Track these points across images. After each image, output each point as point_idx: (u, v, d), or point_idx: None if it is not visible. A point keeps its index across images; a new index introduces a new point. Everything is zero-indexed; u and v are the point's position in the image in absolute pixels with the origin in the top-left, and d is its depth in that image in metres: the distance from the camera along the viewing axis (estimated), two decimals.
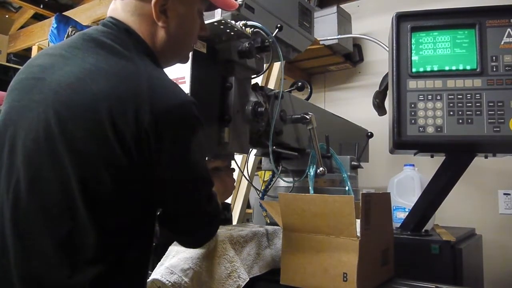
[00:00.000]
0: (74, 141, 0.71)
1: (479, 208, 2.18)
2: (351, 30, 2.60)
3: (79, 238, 0.70)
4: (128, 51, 0.80)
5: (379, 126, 1.87)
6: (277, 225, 1.08)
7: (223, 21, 0.99)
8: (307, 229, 0.96)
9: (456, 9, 1.25)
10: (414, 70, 1.23)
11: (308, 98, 1.63)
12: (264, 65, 1.25)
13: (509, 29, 1.18)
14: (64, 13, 2.78)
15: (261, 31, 1.09)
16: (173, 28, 0.87)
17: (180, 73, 1.02)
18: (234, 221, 1.90)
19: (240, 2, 1.07)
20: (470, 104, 1.18)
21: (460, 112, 1.18)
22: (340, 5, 2.53)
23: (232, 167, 1.22)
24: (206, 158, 1.16)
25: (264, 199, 1.42)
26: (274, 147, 1.20)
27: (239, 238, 1.03)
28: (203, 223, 0.87)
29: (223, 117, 1.09)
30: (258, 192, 1.46)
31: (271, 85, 2.21)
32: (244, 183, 2.10)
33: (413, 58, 1.24)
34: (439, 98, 1.20)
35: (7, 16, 3.67)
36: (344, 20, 2.52)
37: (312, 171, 1.30)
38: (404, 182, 1.59)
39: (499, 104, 1.16)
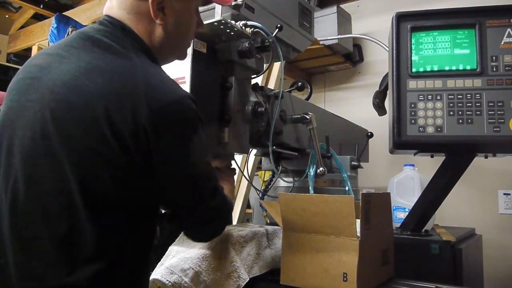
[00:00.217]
0: (71, 140, 0.71)
1: (479, 208, 2.18)
2: (351, 30, 2.60)
3: (78, 236, 0.70)
4: (124, 49, 0.80)
5: (379, 126, 1.87)
6: (277, 225, 1.08)
7: (223, 21, 0.99)
8: (307, 229, 0.96)
9: (456, 9, 1.24)
10: (414, 70, 1.23)
11: (308, 98, 1.63)
12: (264, 65, 1.25)
13: (509, 29, 1.18)
14: (64, 13, 2.78)
15: (261, 31, 1.09)
16: (170, 25, 0.87)
17: (180, 73, 1.02)
18: (234, 221, 1.90)
19: (240, 2, 1.07)
20: (470, 104, 1.18)
21: (460, 112, 1.18)
22: (340, 5, 2.53)
23: (232, 167, 1.22)
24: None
25: (264, 199, 1.42)
26: (274, 147, 1.20)
27: (239, 238, 1.03)
28: (210, 218, 0.87)
29: (223, 117, 1.09)
30: (258, 192, 1.46)
31: (271, 85, 2.21)
32: (244, 183, 2.10)
33: (413, 58, 1.24)
34: (439, 98, 1.20)
35: (7, 16, 3.67)
36: (344, 20, 2.52)
37: (312, 171, 1.30)
38: (404, 182, 1.59)
39: (499, 104, 1.16)
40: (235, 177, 1.24)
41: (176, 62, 1.03)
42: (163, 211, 1.03)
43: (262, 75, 1.39)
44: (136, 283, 0.78)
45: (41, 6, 3.10)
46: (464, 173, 1.28)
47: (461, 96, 1.19)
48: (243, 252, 1.02)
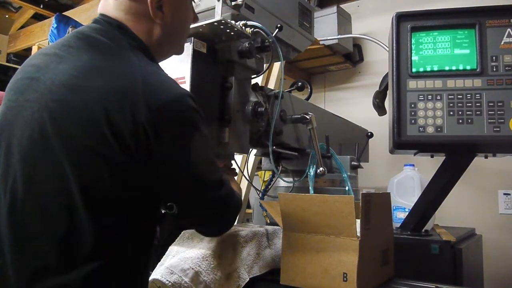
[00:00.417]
0: (71, 140, 0.71)
1: (479, 208, 2.18)
2: (351, 30, 2.60)
3: (78, 236, 0.70)
4: (121, 48, 0.80)
5: (379, 126, 1.87)
6: (277, 225, 1.08)
7: (223, 21, 0.99)
8: (307, 229, 0.96)
9: (456, 9, 1.24)
10: (414, 70, 1.23)
11: (308, 98, 1.63)
12: (264, 65, 1.25)
13: (509, 29, 1.18)
14: (64, 13, 2.79)
15: (261, 31, 1.09)
16: (169, 23, 0.88)
17: (180, 73, 1.02)
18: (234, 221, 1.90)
19: (240, 2, 1.07)
20: (470, 104, 1.18)
21: (460, 112, 1.18)
22: (340, 5, 2.53)
23: (232, 168, 1.22)
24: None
25: (264, 199, 1.42)
26: (274, 147, 1.20)
27: (239, 238, 1.03)
28: (219, 210, 0.87)
29: (223, 117, 1.09)
30: (258, 192, 1.46)
31: (271, 85, 2.21)
32: (244, 183, 2.10)
33: (413, 58, 1.24)
34: (439, 98, 1.20)
35: (7, 16, 3.67)
36: (344, 20, 2.52)
37: (312, 171, 1.30)
38: (404, 182, 1.59)
39: (499, 104, 1.16)
40: (235, 177, 1.24)
41: (176, 62, 1.03)
42: (163, 211, 1.03)
43: (262, 75, 1.39)
44: (135, 282, 0.78)
45: (41, 6, 3.10)
46: (464, 173, 1.28)
47: (461, 96, 1.19)
48: (243, 252, 1.02)
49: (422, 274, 1.10)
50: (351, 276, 0.89)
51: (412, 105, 1.21)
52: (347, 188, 1.33)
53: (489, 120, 1.15)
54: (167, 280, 0.88)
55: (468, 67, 1.20)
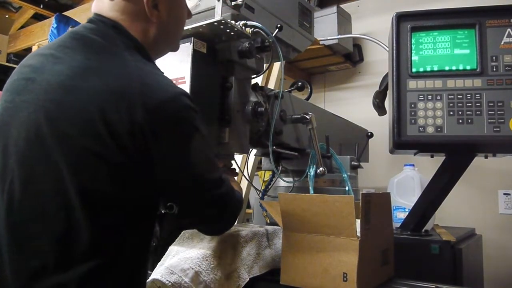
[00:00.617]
0: (67, 140, 0.71)
1: (479, 208, 2.18)
2: (351, 30, 2.60)
3: (75, 235, 0.70)
4: (117, 48, 0.80)
5: (379, 126, 1.87)
6: (277, 225, 1.08)
7: (223, 21, 0.99)
8: (307, 229, 0.96)
9: (456, 9, 1.24)
10: (414, 70, 1.23)
11: (308, 98, 1.63)
12: (264, 65, 1.25)
13: (509, 29, 1.18)
14: (64, 13, 2.79)
15: (261, 31, 1.09)
16: (165, 21, 0.88)
17: (180, 73, 1.02)
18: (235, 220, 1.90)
19: (240, 2, 1.07)
20: (470, 104, 1.18)
21: (460, 112, 1.18)
22: (340, 5, 2.53)
23: (233, 168, 1.22)
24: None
25: (264, 199, 1.42)
26: (274, 147, 1.20)
27: (239, 238, 1.03)
28: (219, 208, 0.87)
29: (223, 117, 1.09)
30: (258, 192, 1.46)
31: (271, 85, 2.21)
32: (244, 183, 2.10)
33: (413, 58, 1.24)
34: (439, 98, 1.20)
35: (7, 16, 3.67)
36: (344, 20, 2.52)
37: (312, 171, 1.30)
38: (404, 182, 1.59)
39: (499, 104, 1.16)
40: (236, 177, 1.24)
41: (176, 62, 1.03)
42: (163, 211, 1.03)
43: (262, 75, 1.39)
44: (132, 282, 0.78)
45: (41, 6, 3.10)
46: (464, 173, 1.28)
47: (461, 96, 1.19)
48: (243, 252, 1.02)
49: (422, 274, 1.10)
50: (351, 276, 0.89)
51: (412, 105, 1.21)
52: (347, 188, 1.33)
53: (489, 120, 1.15)
54: (167, 280, 0.88)
55: (468, 67, 1.20)
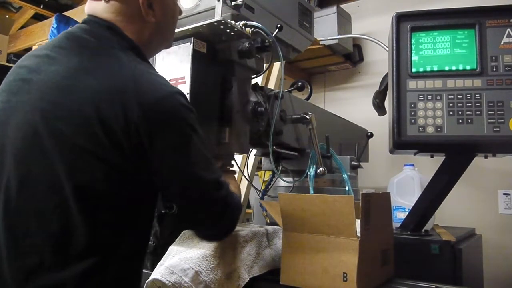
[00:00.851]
0: (63, 139, 0.72)
1: (479, 208, 2.17)
2: (351, 30, 2.59)
3: (71, 234, 0.71)
4: (112, 48, 0.81)
5: (379, 126, 1.87)
6: (277, 225, 1.08)
7: (223, 21, 0.99)
8: (307, 229, 0.96)
9: (456, 9, 1.24)
10: (414, 70, 1.23)
11: (308, 98, 1.63)
12: (264, 65, 1.25)
13: (509, 29, 1.18)
14: (64, 13, 2.78)
15: (261, 31, 1.09)
16: (160, 20, 0.89)
17: (180, 73, 1.02)
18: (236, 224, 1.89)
19: (240, 2, 1.07)
20: (470, 104, 1.18)
21: (460, 112, 1.18)
22: (340, 5, 2.53)
23: (233, 169, 1.22)
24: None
25: (264, 199, 1.42)
26: (274, 147, 1.20)
27: (239, 238, 1.03)
28: (218, 213, 0.85)
29: (223, 117, 1.09)
30: (258, 192, 1.46)
31: (271, 85, 2.21)
32: (244, 183, 2.10)
33: (413, 58, 1.24)
34: (439, 98, 1.20)
35: (7, 16, 3.66)
36: (344, 20, 2.52)
37: (312, 171, 1.30)
38: (404, 182, 1.59)
39: (499, 104, 1.16)
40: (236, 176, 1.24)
41: (176, 62, 1.03)
42: (163, 211, 1.03)
43: (262, 75, 1.39)
44: (129, 280, 0.79)
45: (41, 6, 3.10)
46: (464, 173, 1.28)
47: (461, 96, 1.19)
48: (243, 252, 1.02)
49: (422, 274, 1.10)
50: (351, 276, 0.89)
51: (412, 105, 1.21)
52: (347, 188, 1.33)
53: (489, 120, 1.15)
54: (167, 280, 0.88)
55: (468, 67, 1.20)
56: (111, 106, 0.71)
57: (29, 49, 3.34)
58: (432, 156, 1.43)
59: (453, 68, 1.22)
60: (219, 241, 0.93)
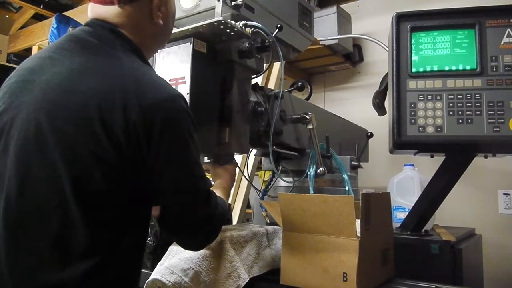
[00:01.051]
0: (64, 139, 0.72)
1: (479, 208, 2.18)
2: (351, 30, 2.60)
3: (71, 234, 0.71)
4: (114, 49, 0.81)
5: (379, 126, 1.87)
6: (277, 225, 1.08)
7: (223, 21, 0.99)
8: (307, 229, 0.96)
9: (456, 9, 1.24)
10: (414, 70, 1.23)
11: (308, 98, 1.63)
12: (264, 65, 1.25)
13: (509, 29, 1.18)
14: (64, 13, 2.78)
15: (261, 31, 1.09)
16: (165, 21, 0.91)
17: (180, 73, 1.02)
18: (234, 221, 1.90)
19: (240, 2, 1.07)
20: (470, 104, 1.18)
21: (460, 112, 1.18)
22: (340, 5, 2.53)
23: (234, 162, 1.21)
24: (203, 158, 1.17)
25: (264, 199, 1.42)
26: (274, 147, 1.20)
27: (239, 238, 1.03)
28: (202, 223, 0.85)
29: (223, 117, 1.09)
30: (258, 192, 1.46)
31: (271, 85, 2.21)
32: (244, 183, 2.10)
33: (413, 58, 1.24)
34: (439, 98, 1.20)
35: (7, 16, 3.66)
36: (344, 20, 2.52)
37: (312, 171, 1.30)
38: (404, 182, 1.59)
39: (499, 104, 1.16)
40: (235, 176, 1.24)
41: (176, 62, 1.03)
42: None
43: (262, 75, 1.39)
44: (128, 280, 0.79)
45: (41, 6, 3.10)
46: (464, 173, 1.28)
47: (461, 96, 1.19)
48: (243, 252, 1.02)
49: (422, 274, 1.10)
50: (351, 276, 0.89)
51: (412, 105, 1.21)
52: (347, 188, 1.33)
53: (489, 120, 1.15)
54: (167, 280, 0.88)
55: (468, 67, 1.20)
56: (112, 107, 0.72)
57: (29, 49, 3.35)
58: (432, 156, 1.43)
59: (453, 68, 1.22)
60: (195, 250, 0.91)
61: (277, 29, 1.18)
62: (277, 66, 2.20)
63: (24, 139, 0.75)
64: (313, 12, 1.44)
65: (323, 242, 0.94)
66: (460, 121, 1.17)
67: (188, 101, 0.98)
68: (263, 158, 1.56)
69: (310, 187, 1.28)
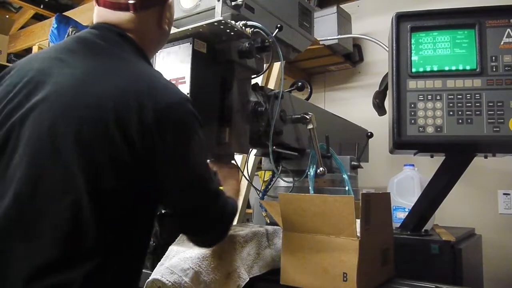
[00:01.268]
0: (81, 140, 0.73)
1: (479, 208, 2.18)
2: (351, 30, 2.60)
3: (82, 234, 0.72)
4: (124, 52, 0.83)
5: (379, 126, 1.87)
6: (277, 225, 1.08)
7: (223, 21, 0.99)
8: (307, 229, 0.96)
9: (456, 9, 1.24)
10: (414, 70, 1.23)
11: (308, 98, 1.63)
12: (264, 65, 1.25)
13: (508, 29, 1.18)
14: (64, 13, 2.78)
15: (261, 31, 1.10)
16: (169, 26, 0.93)
17: (180, 73, 1.02)
18: (234, 221, 1.89)
19: (240, 2, 1.07)
20: (469, 104, 1.18)
21: (460, 112, 1.18)
22: (340, 5, 2.53)
23: (235, 166, 1.22)
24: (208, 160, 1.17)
25: (264, 199, 1.42)
26: (274, 147, 1.20)
27: (239, 238, 1.03)
28: (213, 221, 0.87)
29: (223, 117, 1.09)
30: (258, 192, 1.46)
31: (271, 85, 2.21)
32: (244, 183, 2.10)
33: (413, 58, 1.24)
34: (439, 98, 1.20)
35: (7, 16, 3.66)
36: (344, 20, 2.52)
37: (312, 171, 1.30)
38: (404, 182, 1.59)
39: (498, 104, 1.16)
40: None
41: (176, 62, 1.04)
42: (163, 211, 1.04)
43: (262, 75, 1.39)
44: (129, 280, 0.80)
45: (41, 6, 3.10)
46: (464, 173, 1.28)
47: (461, 96, 1.19)
48: (243, 252, 1.02)
49: (422, 274, 1.10)
50: (351, 276, 0.89)
51: (412, 105, 1.21)
52: (347, 188, 1.33)
53: (489, 120, 1.15)
54: (167, 280, 0.88)
55: (467, 67, 1.20)
56: (128, 109, 0.73)
57: (29, 49, 3.35)
58: (432, 156, 1.43)
59: (453, 68, 1.22)
60: (208, 247, 0.94)
61: (277, 29, 1.18)
62: (277, 66, 2.20)
63: (37, 140, 0.75)
64: (313, 12, 1.44)
65: (323, 242, 0.94)
66: (460, 121, 1.18)
67: None
68: (263, 158, 1.56)
69: (310, 187, 1.29)
